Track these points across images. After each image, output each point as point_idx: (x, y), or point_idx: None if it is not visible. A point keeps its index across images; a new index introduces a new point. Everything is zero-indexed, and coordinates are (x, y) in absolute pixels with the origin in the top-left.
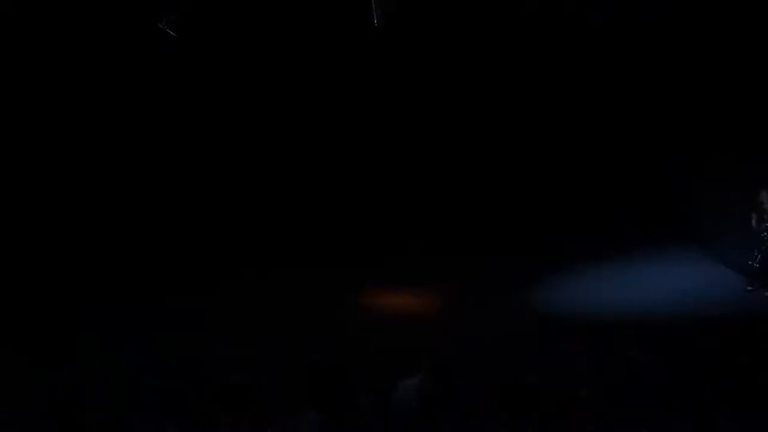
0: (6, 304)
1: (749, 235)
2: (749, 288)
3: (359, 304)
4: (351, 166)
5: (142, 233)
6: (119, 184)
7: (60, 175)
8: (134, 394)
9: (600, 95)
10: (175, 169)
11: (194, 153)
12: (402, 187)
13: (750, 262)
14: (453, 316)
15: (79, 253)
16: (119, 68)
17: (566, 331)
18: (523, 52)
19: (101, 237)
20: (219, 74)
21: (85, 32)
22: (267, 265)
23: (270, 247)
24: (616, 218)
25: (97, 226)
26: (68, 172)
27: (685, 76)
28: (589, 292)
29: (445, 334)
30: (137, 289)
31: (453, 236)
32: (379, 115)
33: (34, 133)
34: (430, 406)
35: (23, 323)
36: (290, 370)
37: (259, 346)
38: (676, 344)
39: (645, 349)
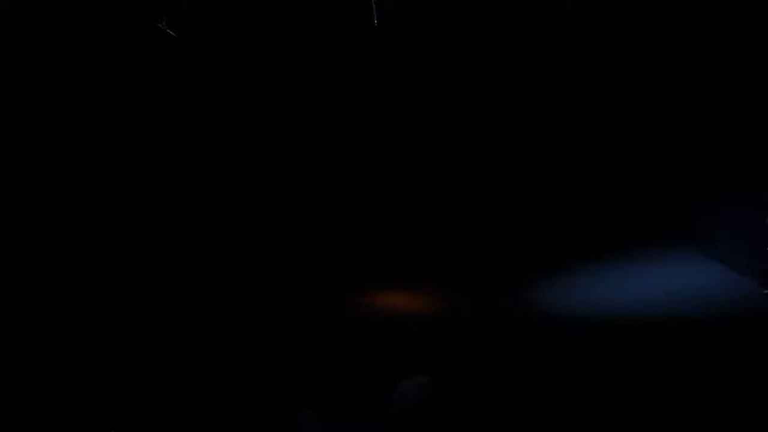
0: (6, 304)
1: (749, 235)
2: (766, 291)
3: (359, 304)
4: (351, 166)
5: (142, 233)
6: (120, 184)
7: (61, 175)
8: (134, 395)
9: (600, 95)
10: (176, 169)
11: (194, 153)
12: (402, 187)
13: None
14: (453, 316)
15: (79, 253)
16: (119, 68)
17: (566, 331)
18: (524, 53)
19: (101, 237)
20: (219, 74)
21: (85, 32)
22: (266, 265)
23: (270, 248)
24: (616, 218)
25: (96, 226)
26: (69, 172)
27: (685, 76)
28: (589, 292)
29: (445, 334)
30: (138, 289)
31: (453, 236)
32: (378, 115)
33: (33, 133)
34: (430, 406)
35: (23, 323)
36: (290, 370)
37: (259, 346)
38: (676, 344)
39: (645, 350)
